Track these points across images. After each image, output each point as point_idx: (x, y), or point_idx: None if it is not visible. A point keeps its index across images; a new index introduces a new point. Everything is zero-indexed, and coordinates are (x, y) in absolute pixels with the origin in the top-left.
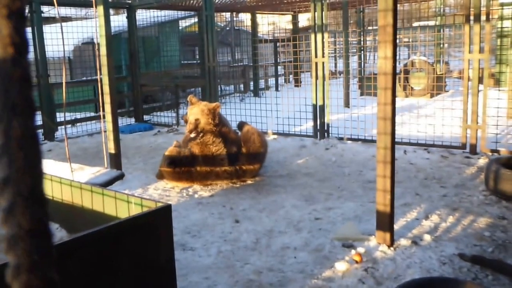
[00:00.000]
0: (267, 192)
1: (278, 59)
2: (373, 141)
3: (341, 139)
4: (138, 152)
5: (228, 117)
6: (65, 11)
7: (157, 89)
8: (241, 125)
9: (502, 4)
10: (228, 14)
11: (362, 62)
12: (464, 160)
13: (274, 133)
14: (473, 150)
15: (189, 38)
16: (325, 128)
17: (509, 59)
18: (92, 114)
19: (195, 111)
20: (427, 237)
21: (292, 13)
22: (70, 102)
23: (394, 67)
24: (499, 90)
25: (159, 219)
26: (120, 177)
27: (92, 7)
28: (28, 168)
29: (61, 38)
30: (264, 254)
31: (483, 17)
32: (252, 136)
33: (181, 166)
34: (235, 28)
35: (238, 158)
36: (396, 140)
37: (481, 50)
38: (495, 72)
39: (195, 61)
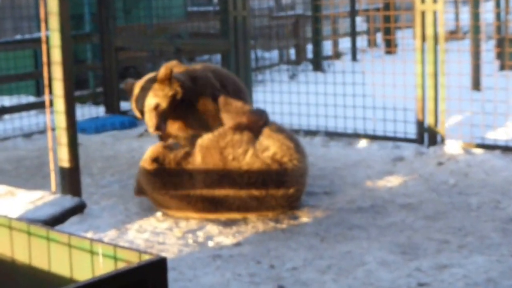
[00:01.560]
0: (336, 238)
1: (357, 5)
2: None
3: (465, 146)
4: (110, 167)
5: (268, 107)
6: None
7: (144, 56)
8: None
9: None
10: None
11: (503, 12)
12: None
13: (348, 135)
14: None
15: None
16: (438, 128)
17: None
18: (32, 99)
19: (150, 94)
20: None
21: None
22: None
23: None
24: None
25: (146, 283)
26: (79, 208)
27: None
28: None
29: None
30: None
31: None
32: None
33: (172, 174)
34: None
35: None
36: None
37: None
38: None
39: (211, 8)
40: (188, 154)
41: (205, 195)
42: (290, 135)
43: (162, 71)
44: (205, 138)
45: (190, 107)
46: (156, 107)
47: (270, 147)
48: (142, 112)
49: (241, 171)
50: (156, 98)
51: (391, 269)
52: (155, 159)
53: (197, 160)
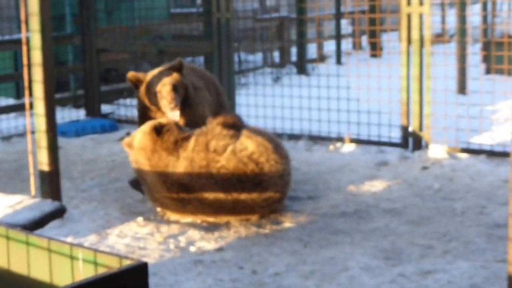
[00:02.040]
0: (319, 243)
1: (342, 7)
2: (505, 155)
3: (450, 151)
4: (91, 170)
5: (251, 110)
6: None
7: (126, 58)
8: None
9: None
10: None
11: (489, 16)
12: None
13: (331, 139)
14: None
15: None
16: (423, 132)
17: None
18: (11, 101)
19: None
20: None
21: None
22: None
23: None
24: None
25: None
26: (59, 213)
27: None
28: None
29: None
30: None
31: None
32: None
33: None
34: None
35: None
36: None
37: None
38: None
39: (194, 10)
40: (186, 139)
41: (182, 182)
42: (270, 137)
43: (177, 62)
44: (203, 128)
45: (187, 113)
46: (175, 88)
47: (248, 146)
48: (155, 94)
49: (218, 165)
50: (175, 82)
51: (374, 275)
52: (157, 128)
53: (189, 147)
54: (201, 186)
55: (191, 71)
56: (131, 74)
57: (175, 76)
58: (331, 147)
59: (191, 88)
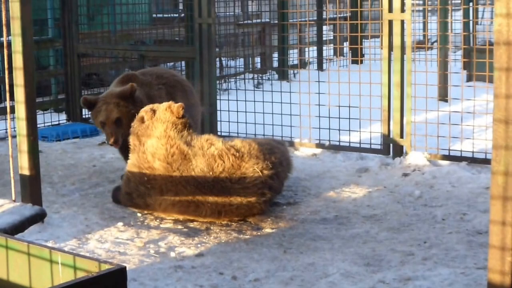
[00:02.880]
0: (299, 249)
1: (324, 13)
2: (486, 162)
3: (431, 157)
4: (72, 175)
5: (232, 116)
6: None
7: (107, 63)
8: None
9: None
10: None
11: (471, 23)
12: None
13: (312, 145)
14: None
15: None
16: (403, 139)
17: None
18: None
19: (109, 108)
20: None
21: None
22: None
23: None
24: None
25: None
26: (39, 217)
27: None
28: None
29: None
30: None
31: None
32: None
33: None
34: None
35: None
36: None
37: None
38: None
39: (176, 15)
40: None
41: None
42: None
43: (128, 88)
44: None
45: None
46: (118, 121)
47: (237, 144)
48: (103, 124)
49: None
50: (119, 113)
51: (354, 281)
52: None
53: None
54: (179, 181)
55: (156, 78)
56: (83, 99)
57: (121, 107)
58: (312, 153)
59: (146, 102)
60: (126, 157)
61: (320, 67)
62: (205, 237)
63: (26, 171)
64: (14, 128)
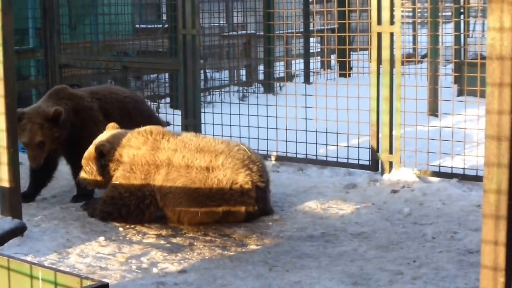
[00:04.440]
0: (285, 267)
1: (312, 25)
2: (478, 179)
3: (420, 174)
4: (53, 188)
5: (217, 129)
6: None
7: (89, 74)
8: None
9: None
10: None
11: (462, 36)
12: None
13: (298, 160)
14: None
15: None
16: (392, 154)
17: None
18: None
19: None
20: None
21: None
22: None
23: None
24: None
25: None
26: (19, 231)
27: None
28: None
29: None
30: None
31: None
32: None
33: None
34: None
35: None
36: None
37: None
38: None
39: (160, 26)
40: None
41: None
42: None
43: (52, 112)
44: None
45: (74, 140)
46: (41, 143)
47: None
48: (26, 145)
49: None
50: (42, 136)
51: None
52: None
53: None
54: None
55: (90, 94)
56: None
57: (45, 129)
58: (298, 168)
59: (72, 119)
60: (39, 174)
61: (307, 80)
62: (188, 253)
63: (6, 183)
64: None
